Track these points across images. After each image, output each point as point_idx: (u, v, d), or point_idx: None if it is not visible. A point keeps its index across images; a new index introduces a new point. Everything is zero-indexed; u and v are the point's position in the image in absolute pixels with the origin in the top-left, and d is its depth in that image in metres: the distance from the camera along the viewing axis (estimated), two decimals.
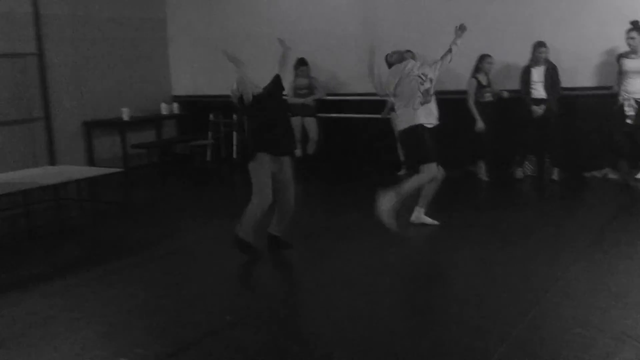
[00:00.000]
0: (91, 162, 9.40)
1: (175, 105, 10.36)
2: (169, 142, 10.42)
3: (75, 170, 6.87)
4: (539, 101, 7.51)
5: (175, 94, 10.80)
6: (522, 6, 7.82)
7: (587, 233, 5.41)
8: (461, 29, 5.77)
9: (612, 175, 7.46)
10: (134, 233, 6.31)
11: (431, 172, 5.57)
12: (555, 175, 7.60)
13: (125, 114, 9.39)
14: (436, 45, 6.52)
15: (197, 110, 10.25)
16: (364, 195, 7.43)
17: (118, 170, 7.15)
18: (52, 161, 8.54)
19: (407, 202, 5.70)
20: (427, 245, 5.52)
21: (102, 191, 7.90)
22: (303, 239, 5.67)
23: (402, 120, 5.71)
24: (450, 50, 5.75)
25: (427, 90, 5.56)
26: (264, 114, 5.06)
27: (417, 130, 5.56)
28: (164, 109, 10.14)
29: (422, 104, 5.55)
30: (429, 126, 5.61)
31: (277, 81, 5.23)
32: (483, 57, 7.67)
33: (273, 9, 9.59)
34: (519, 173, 7.83)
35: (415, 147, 5.65)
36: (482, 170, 7.88)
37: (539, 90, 7.51)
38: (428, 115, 5.59)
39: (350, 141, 9.20)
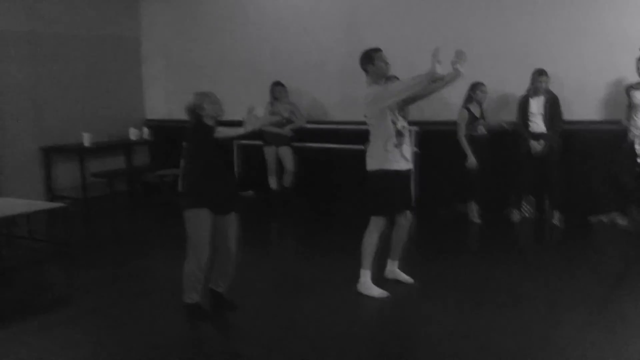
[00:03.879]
0: (49, 191, 8.65)
1: (145, 130, 9.60)
2: (133, 171, 9.63)
3: (9, 205, 6.04)
4: (538, 135, 6.69)
5: (148, 118, 10.06)
6: (520, 30, 7.01)
7: (588, 300, 4.50)
8: (457, 56, 4.47)
9: (620, 221, 6.59)
10: (62, 280, 5.52)
11: (378, 226, 4.74)
12: (556, 220, 6.74)
13: (86, 139, 8.62)
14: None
15: (172, 136, 9.43)
16: (338, 237, 6.63)
17: (58, 205, 6.28)
18: None
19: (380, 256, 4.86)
20: (398, 310, 4.60)
21: (53, 226, 7.07)
22: (260, 293, 4.90)
23: (371, 157, 4.75)
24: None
25: (399, 131, 4.62)
26: (205, 159, 4.34)
27: (387, 176, 4.65)
28: (133, 134, 9.39)
29: (397, 146, 4.62)
30: (402, 170, 4.72)
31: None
32: (476, 86, 6.82)
33: (251, 31, 8.87)
34: (515, 216, 6.97)
35: (372, 194, 4.75)
36: (473, 212, 7.02)
37: (538, 124, 6.70)
38: (400, 159, 4.67)
39: (330, 173, 8.37)
